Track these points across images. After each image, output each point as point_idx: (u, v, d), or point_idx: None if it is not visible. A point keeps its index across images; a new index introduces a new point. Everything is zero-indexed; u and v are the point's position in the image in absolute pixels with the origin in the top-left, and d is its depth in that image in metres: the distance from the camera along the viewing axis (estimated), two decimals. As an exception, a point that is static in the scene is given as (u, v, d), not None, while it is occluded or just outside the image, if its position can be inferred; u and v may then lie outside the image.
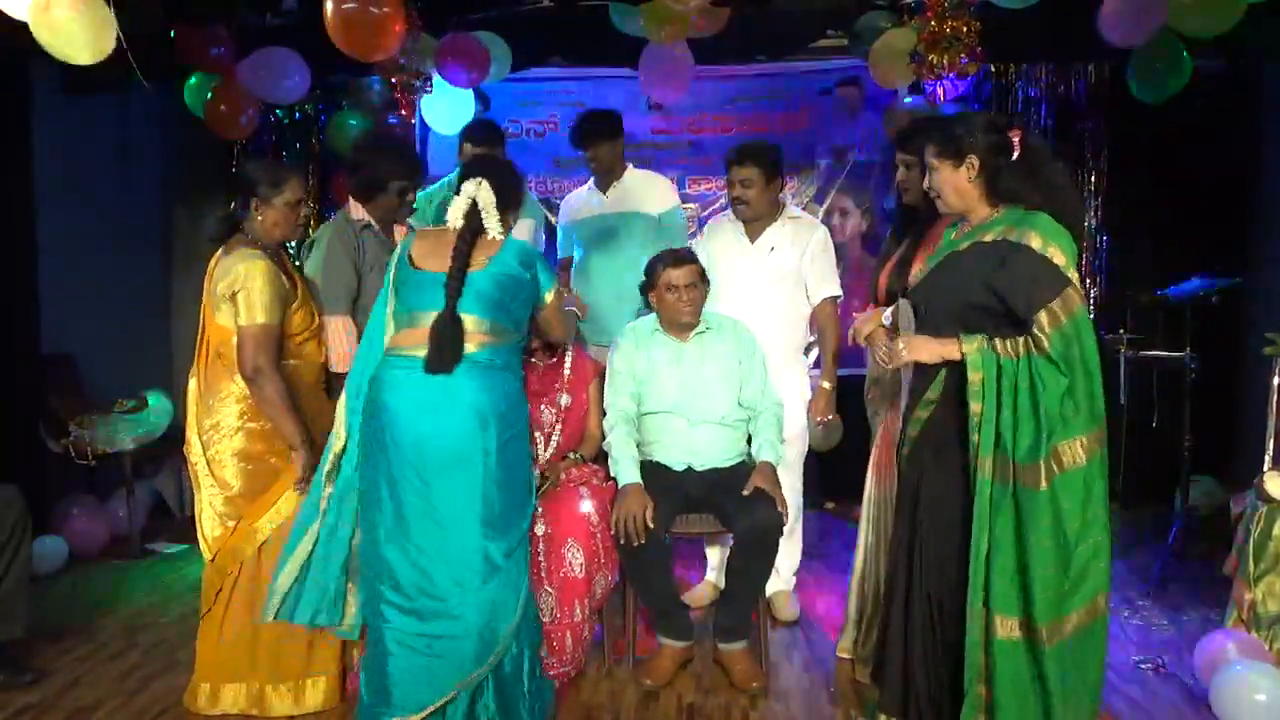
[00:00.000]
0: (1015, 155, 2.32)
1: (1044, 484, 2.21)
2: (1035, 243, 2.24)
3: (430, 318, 2.54)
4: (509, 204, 2.70)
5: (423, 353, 2.53)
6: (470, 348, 2.55)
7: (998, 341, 2.25)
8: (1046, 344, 2.20)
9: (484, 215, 2.63)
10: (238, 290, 2.78)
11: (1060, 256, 2.23)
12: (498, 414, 2.56)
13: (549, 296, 2.74)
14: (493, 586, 2.54)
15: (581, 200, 4.03)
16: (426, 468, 2.52)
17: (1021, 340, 2.22)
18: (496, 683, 2.57)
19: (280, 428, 2.80)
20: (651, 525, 2.97)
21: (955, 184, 2.38)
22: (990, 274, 2.28)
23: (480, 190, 2.63)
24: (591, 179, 4.00)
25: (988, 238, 2.33)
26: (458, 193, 2.66)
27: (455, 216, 2.63)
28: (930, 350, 2.35)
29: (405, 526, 2.52)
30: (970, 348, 2.27)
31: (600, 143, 3.84)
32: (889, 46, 4.29)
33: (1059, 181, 2.38)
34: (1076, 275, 2.25)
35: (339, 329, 3.02)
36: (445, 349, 2.51)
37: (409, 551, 2.52)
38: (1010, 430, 2.23)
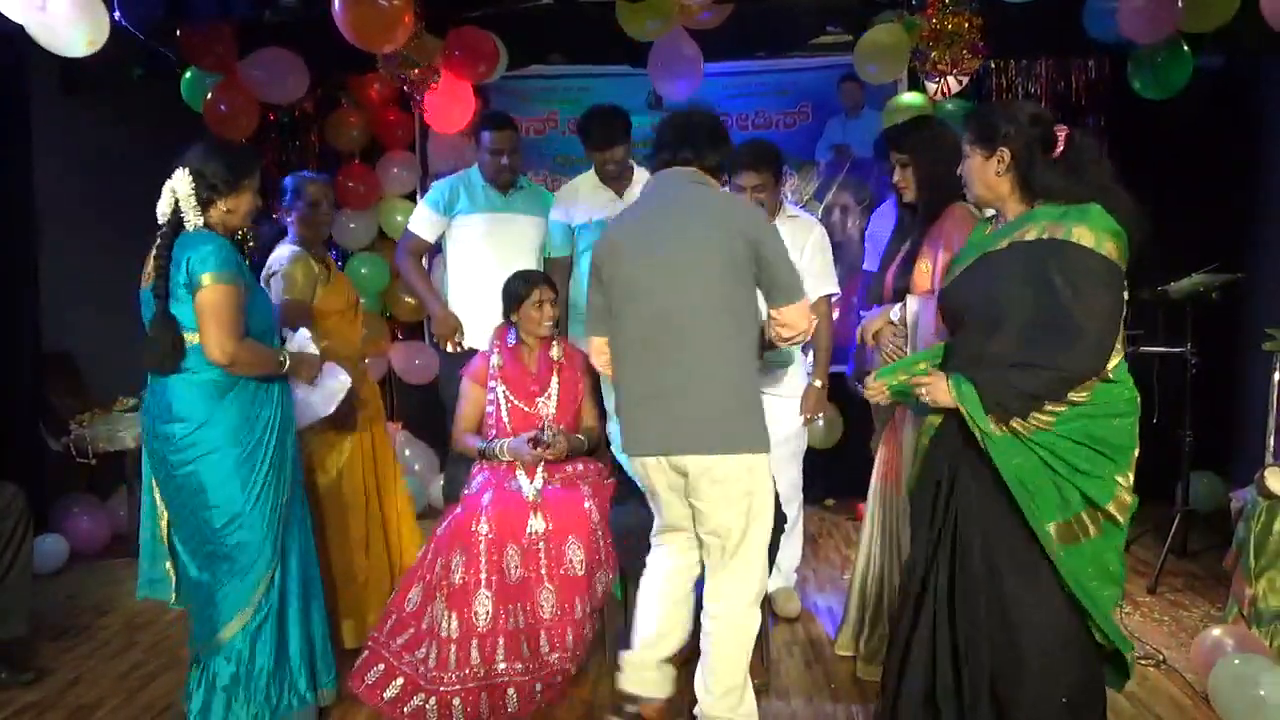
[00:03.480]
0: (1058, 152, 2.20)
1: (1095, 531, 2.20)
2: (1087, 238, 2.10)
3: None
4: (216, 188, 2.60)
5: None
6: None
7: (1017, 422, 2.14)
8: (1110, 374, 2.13)
9: (182, 208, 2.57)
10: (277, 271, 3.19)
11: (1115, 253, 2.10)
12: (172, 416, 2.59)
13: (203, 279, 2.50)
14: (195, 588, 2.65)
15: (593, 200, 3.78)
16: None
17: (1050, 408, 2.14)
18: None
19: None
20: None
21: (984, 175, 2.28)
22: (1036, 281, 2.13)
23: (180, 182, 2.58)
24: (595, 177, 3.81)
25: (1029, 235, 2.19)
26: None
27: (161, 212, 2.59)
28: (947, 399, 2.23)
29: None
30: (991, 432, 2.16)
31: (623, 142, 3.69)
32: (875, 42, 4.29)
33: (1105, 181, 2.22)
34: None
35: None
36: (156, 349, 2.54)
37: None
38: (1057, 494, 2.17)
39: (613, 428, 3.23)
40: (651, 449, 2.52)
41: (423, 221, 3.85)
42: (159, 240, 2.57)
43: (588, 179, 3.83)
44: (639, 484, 2.70)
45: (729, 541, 2.54)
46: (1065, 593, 2.18)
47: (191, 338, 2.56)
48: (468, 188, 3.83)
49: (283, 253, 3.27)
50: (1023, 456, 2.17)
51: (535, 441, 3.14)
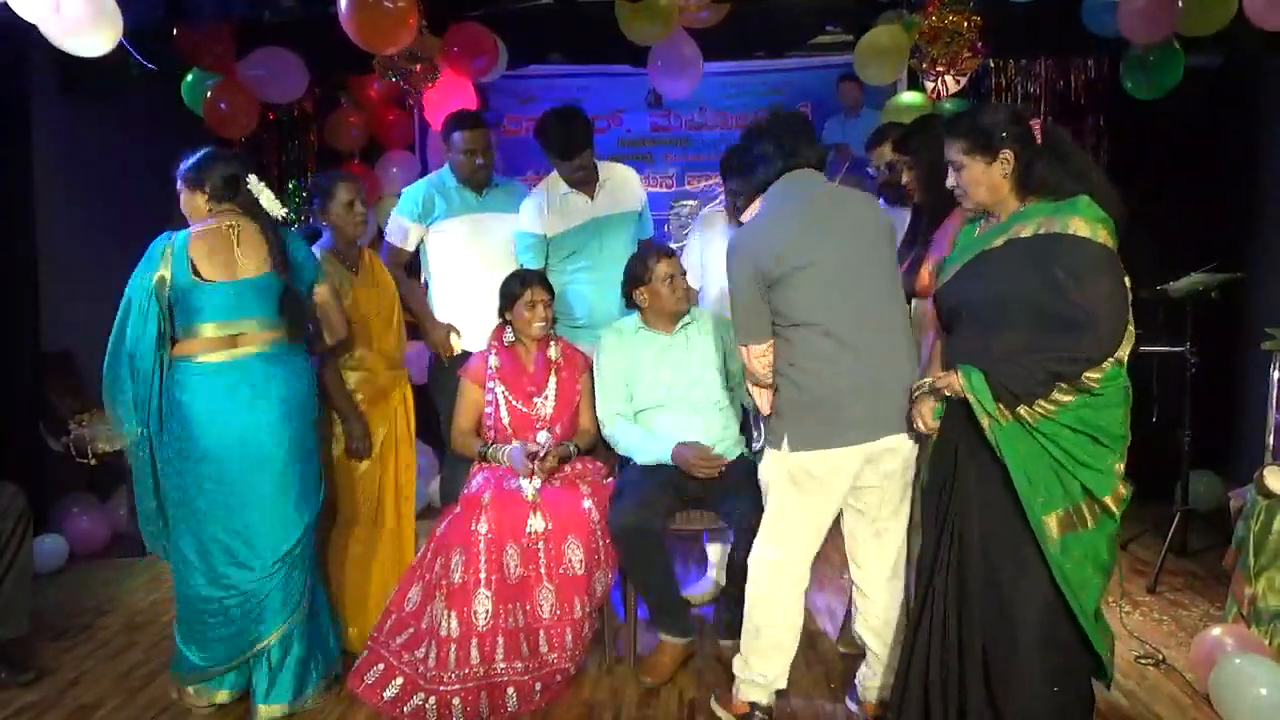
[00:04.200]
0: (1039, 144, 2.24)
1: (1092, 523, 2.23)
2: (1082, 229, 2.14)
3: (243, 325, 2.79)
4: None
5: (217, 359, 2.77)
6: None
7: (1024, 409, 2.17)
8: (1106, 371, 2.16)
9: (269, 207, 2.88)
10: None
11: (1109, 240, 2.14)
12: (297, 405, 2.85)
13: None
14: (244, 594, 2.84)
15: (566, 208, 3.69)
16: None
17: (1056, 397, 2.16)
18: None
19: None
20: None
21: (989, 181, 2.27)
22: (1039, 276, 2.16)
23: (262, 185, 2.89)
24: (562, 183, 3.69)
25: (1025, 233, 2.22)
26: (243, 187, 2.88)
27: (275, 208, 2.89)
28: (959, 389, 2.26)
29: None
30: (988, 423, 2.20)
31: (590, 144, 3.63)
32: (874, 44, 4.30)
33: (1087, 168, 2.27)
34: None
35: None
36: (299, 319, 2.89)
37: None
38: (1059, 484, 2.20)
39: (618, 430, 3.23)
40: (866, 436, 2.50)
41: (401, 232, 3.76)
42: (275, 231, 2.84)
43: (553, 186, 3.73)
44: (795, 495, 2.61)
45: (902, 518, 2.66)
46: (1055, 587, 2.22)
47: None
48: (442, 192, 3.73)
49: None
50: (1028, 445, 2.20)
51: (532, 456, 3.14)
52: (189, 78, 4.56)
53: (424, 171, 5.24)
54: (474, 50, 4.40)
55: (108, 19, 3.16)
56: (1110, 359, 2.16)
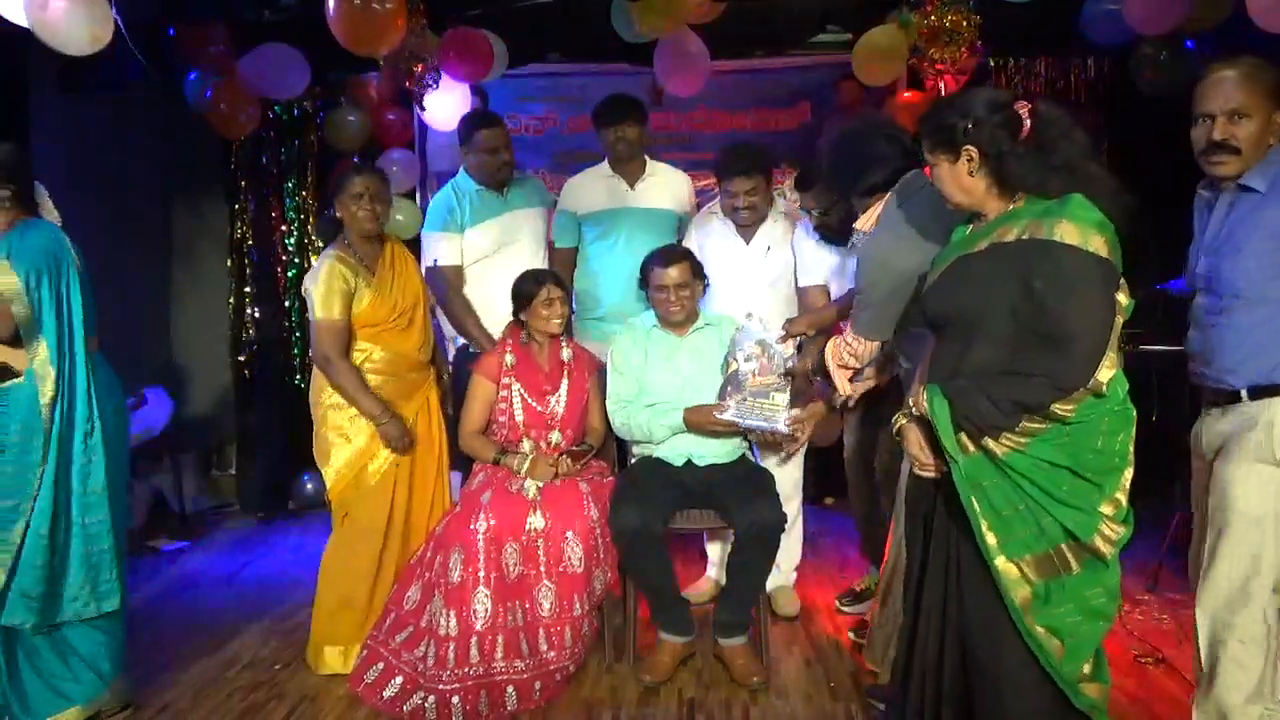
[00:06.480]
0: (1025, 133, 2.00)
1: (1076, 567, 2.03)
2: (1071, 235, 1.90)
3: None
4: None
5: None
6: None
7: (990, 441, 1.98)
8: (1105, 390, 1.95)
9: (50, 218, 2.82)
10: (309, 286, 3.11)
11: (1104, 248, 1.91)
12: None
13: None
14: None
15: (603, 189, 3.73)
16: None
17: (1026, 426, 1.97)
18: None
19: (359, 408, 3.09)
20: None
21: (956, 180, 2.08)
22: (1018, 286, 1.95)
23: None
24: (607, 167, 3.74)
25: (1008, 236, 2.00)
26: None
27: (55, 219, 2.87)
28: (923, 408, 2.08)
29: None
30: (963, 449, 2.00)
31: (635, 122, 3.64)
32: (873, 44, 4.30)
33: (1079, 159, 2.01)
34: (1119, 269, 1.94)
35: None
36: None
37: None
38: (1034, 524, 2.00)
39: (630, 417, 3.24)
40: None
41: (447, 249, 3.65)
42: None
43: (599, 169, 3.78)
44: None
45: None
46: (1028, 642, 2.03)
47: None
48: (465, 197, 3.69)
49: (317, 265, 3.15)
50: (996, 480, 2.01)
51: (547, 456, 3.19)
52: (191, 77, 4.56)
53: (424, 171, 5.25)
54: (471, 54, 4.38)
55: (96, 15, 3.16)
56: (1083, 389, 1.95)
